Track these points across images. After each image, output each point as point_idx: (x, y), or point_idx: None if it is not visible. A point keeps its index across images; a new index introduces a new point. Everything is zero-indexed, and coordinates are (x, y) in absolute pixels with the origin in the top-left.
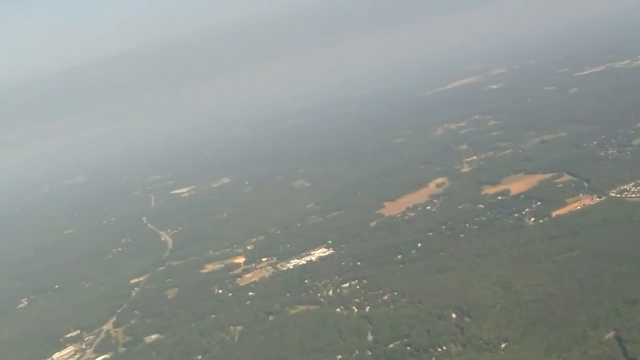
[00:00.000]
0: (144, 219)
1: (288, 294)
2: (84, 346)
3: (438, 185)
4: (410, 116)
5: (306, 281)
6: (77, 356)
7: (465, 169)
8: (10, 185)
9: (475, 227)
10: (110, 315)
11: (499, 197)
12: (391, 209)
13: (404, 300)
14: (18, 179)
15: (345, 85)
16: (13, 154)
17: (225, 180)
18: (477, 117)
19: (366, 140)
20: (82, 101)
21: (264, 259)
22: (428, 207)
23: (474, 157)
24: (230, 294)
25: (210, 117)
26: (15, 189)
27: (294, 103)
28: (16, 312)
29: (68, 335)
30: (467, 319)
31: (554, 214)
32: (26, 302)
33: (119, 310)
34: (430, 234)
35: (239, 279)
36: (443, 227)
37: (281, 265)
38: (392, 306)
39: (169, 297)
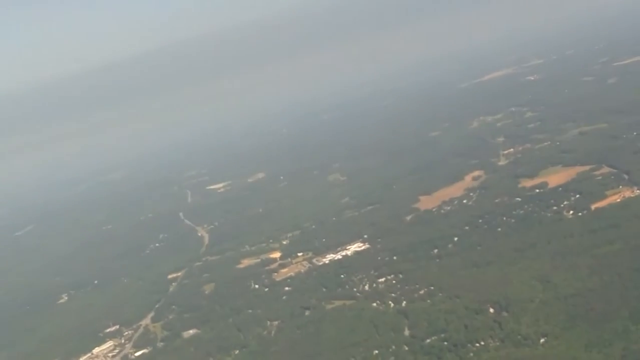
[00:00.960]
0: (181, 214)
1: (324, 289)
2: (123, 341)
3: (474, 179)
4: (446, 109)
5: (342, 276)
6: (117, 351)
7: (502, 161)
8: (49, 181)
9: (513, 220)
10: (148, 311)
11: (537, 190)
12: (427, 202)
13: (440, 295)
14: (57, 176)
15: (380, 79)
16: (52, 151)
17: (260, 175)
18: (513, 109)
19: (401, 134)
20: (118, 99)
21: (299, 254)
22: (464, 201)
23: (511, 150)
24: (266, 289)
25: (244, 113)
26: (54, 186)
27: (328, 98)
28: (56, 308)
29: (107, 330)
30: (505, 313)
31: (593, 206)
32: (66, 298)
33: (157, 306)
34: (467, 227)
35: (275, 273)
36: (480, 220)
37: (317, 260)
38: (428, 301)
39: (206, 292)
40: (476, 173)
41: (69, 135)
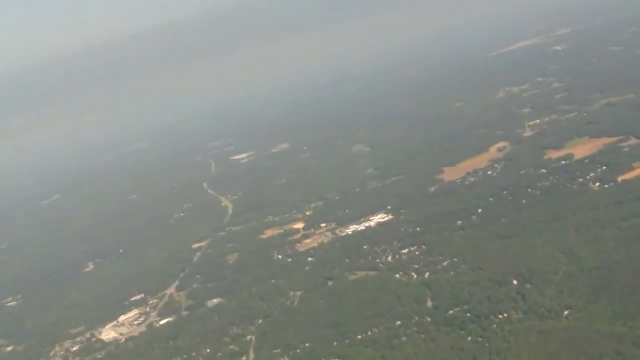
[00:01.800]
0: (205, 184)
1: (347, 260)
2: (148, 309)
3: (499, 150)
4: (471, 79)
5: (365, 247)
6: (142, 319)
7: (528, 132)
8: (74, 152)
9: (538, 192)
10: (173, 280)
11: (563, 162)
12: (451, 174)
13: (464, 266)
14: (82, 146)
15: (405, 48)
16: (79, 121)
17: (284, 145)
18: (540, 79)
19: (426, 104)
20: (142, 69)
21: (322, 225)
22: (489, 172)
23: (537, 121)
24: (289, 259)
25: (268, 83)
26: (79, 156)
27: (352, 67)
28: (83, 276)
29: (133, 299)
30: (528, 285)
31: (619, 178)
32: (92, 266)
33: (181, 275)
34: (491, 199)
35: (298, 244)
36: (504, 192)
37: (340, 231)
38: (452, 272)
39: (230, 262)
40: (501, 144)
41: (93, 106)
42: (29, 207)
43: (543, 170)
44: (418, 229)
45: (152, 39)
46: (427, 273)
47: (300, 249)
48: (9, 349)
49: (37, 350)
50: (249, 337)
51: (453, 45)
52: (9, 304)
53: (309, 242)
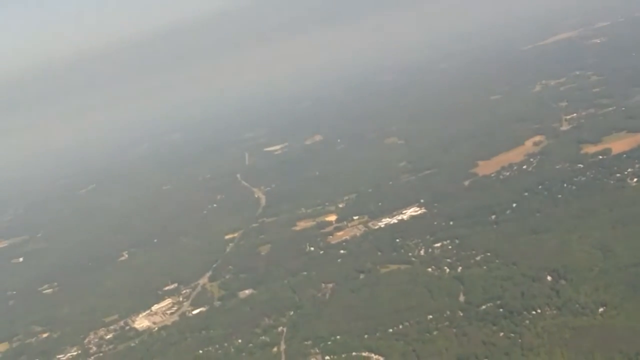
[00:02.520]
0: (238, 175)
1: (379, 253)
2: (181, 299)
3: (535, 144)
4: (507, 72)
5: (397, 240)
6: (175, 309)
7: (565, 127)
8: (110, 142)
9: (574, 187)
10: (206, 270)
11: (600, 157)
12: (485, 167)
13: (497, 261)
14: (118, 137)
15: (440, 41)
16: (113, 113)
17: (317, 137)
18: (577, 72)
19: (461, 97)
20: (176, 62)
21: (355, 217)
22: (524, 167)
23: (574, 115)
24: (321, 252)
25: (298, 76)
26: (115, 146)
27: (385, 61)
28: (117, 265)
29: (166, 288)
30: (563, 282)
31: None
32: (127, 255)
33: (214, 265)
34: (526, 194)
35: (331, 236)
36: (540, 187)
37: (372, 224)
38: (485, 267)
39: (262, 253)
40: (537, 138)
41: (127, 98)
42: (66, 197)
43: (580, 165)
44: (451, 223)
45: (176, 36)
46: (460, 267)
47: (333, 242)
48: (45, 335)
49: (72, 338)
50: (280, 329)
51: (489, 39)
52: (45, 292)
53: (341, 235)
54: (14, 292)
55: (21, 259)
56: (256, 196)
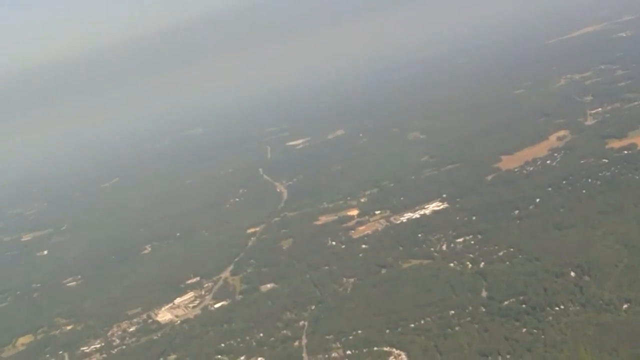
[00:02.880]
0: (260, 170)
1: (401, 248)
2: (203, 292)
3: (559, 139)
4: (531, 66)
5: (419, 235)
6: (197, 302)
7: (589, 121)
8: (133, 137)
9: (599, 182)
10: (228, 264)
11: (625, 152)
12: (509, 162)
13: (520, 257)
14: (140, 132)
15: (464, 35)
16: (135, 107)
17: (340, 132)
18: (603, 66)
19: (484, 92)
20: (194, 57)
21: (377, 212)
22: (548, 161)
23: (599, 109)
24: (343, 246)
25: (322, 69)
26: (137, 141)
27: (405, 55)
28: (141, 258)
29: (188, 282)
30: (586, 278)
31: None
32: (150, 249)
33: (236, 259)
34: (550, 189)
35: (352, 231)
36: (564, 182)
37: (394, 219)
38: (507, 263)
39: (284, 247)
40: (561, 133)
41: (149, 93)
42: (90, 190)
43: (604, 160)
44: (474, 218)
45: (192, 32)
46: (482, 263)
47: (354, 236)
48: (69, 328)
49: (96, 330)
50: (301, 323)
51: (513, 33)
52: (69, 284)
53: (363, 229)
54: (39, 285)
55: (45, 252)
56: (278, 190)
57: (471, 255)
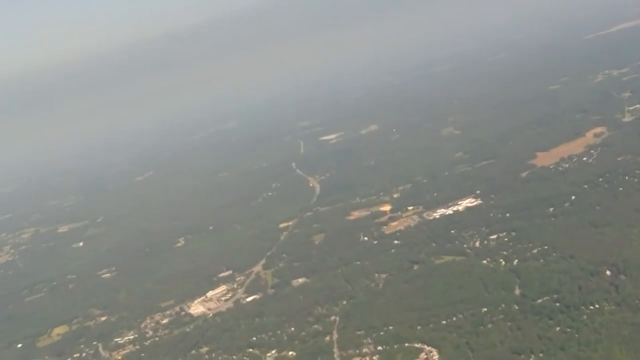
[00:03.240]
0: (293, 164)
1: (433, 244)
2: (235, 286)
3: (596, 135)
4: (568, 62)
5: (452, 231)
6: (229, 295)
7: (627, 118)
8: (167, 131)
9: (636, 180)
10: (260, 258)
11: None
12: (544, 159)
13: (554, 254)
14: (175, 125)
15: (498, 29)
16: (169, 101)
17: (373, 127)
18: None
19: (519, 87)
20: (226, 52)
21: (410, 208)
22: (584, 158)
23: (637, 106)
24: (375, 242)
25: (357, 64)
26: (172, 135)
27: (439, 51)
28: (174, 251)
29: (221, 275)
30: (622, 277)
31: None
32: (183, 242)
33: (268, 253)
34: (586, 186)
35: (385, 226)
36: (600, 179)
37: (427, 215)
38: (541, 260)
39: (316, 242)
40: (598, 129)
41: (182, 87)
42: (124, 183)
43: None
44: (508, 214)
45: (223, 28)
46: (516, 260)
47: (387, 232)
48: (103, 319)
49: (129, 322)
50: (333, 318)
51: (550, 29)
52: (103, 276)
53: (396, 225)
54: (74, 276)
55: (81, 244)
56: (311, 185)
57: (505, 253)
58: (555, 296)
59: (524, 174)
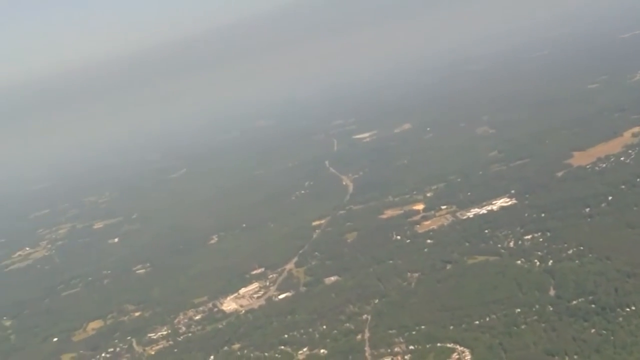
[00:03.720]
0: (327, 162)
1: (467, 244)
2: (267, 283)
3: (634, 135)
4: (606, 60)
5: (486, 231)
6: (261, 292)
7: None
8: (202, 129)
9: None
10: (292, 256)
11: None
12: (581, 159)
13: (590, 255)
14: (209, 123)
15: (536, 27)
16: (204, 100)
17: (406, 125)
18: None
19: (556, 86)
20: (262, 50)
21: (443, 207)
22: (622, 158)
23: None
24: (408, 241)
25: (392, 63)
26: (206, 133)
27: (480, 47)
28: (208, 248)
29: (253, 272)
30: None
31: None
32: (216, 239)
33: (300, 251)
34: (623, 186)
35: (418, 225)
36: (638, 179)
37: (461, 214)
38: (577, 261)
39: (349, 240)
40: (637, 129)
41: (216, 86)
42: (159, 180)
43: None
44: (543, 215)
45: (254, 28)
46: (551, 261)
47: (420, 231)
48: (137, 314)
49: (163, 317)
50: (364, 316)
51: (587, 26)
52: (138, 272)
53: (429, 224)
54: (109, 272)
55: (116, 240)
56: (344, 183)
57: (539, 253)
58: (590, 298)
59: (559, 174)
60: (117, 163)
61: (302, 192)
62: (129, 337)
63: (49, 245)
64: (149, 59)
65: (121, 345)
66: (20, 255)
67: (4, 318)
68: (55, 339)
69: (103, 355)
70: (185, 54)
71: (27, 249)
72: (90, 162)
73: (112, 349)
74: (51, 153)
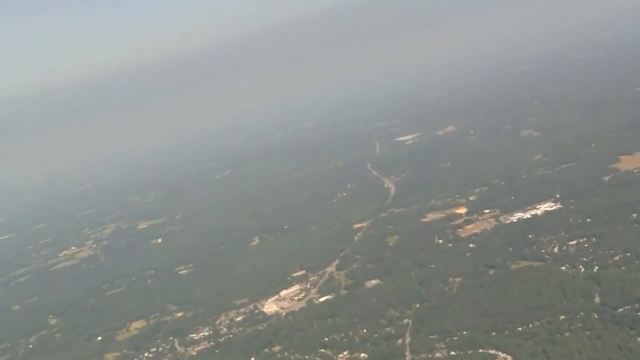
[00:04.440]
0: (369, 165)
1: (510, 248)
2: (308, 286)
3: None
4: None
5: (530, 236)
6: (302, 295)
7: None
8: (246, 130)
9: None
10: (333, 258)
11: None
12: (628, 163)
13: (637, 262)
14: (253, 125)
15: (584, 28)
16: (248, 101)
17: (450, 128)
18: None
19: (603, 88)
20: (306, 53)
21: (486, 211)
22: None
23: None
24: (450, 245)
25: (435, 64)
26: (250, 134)
27: (521, 50)
28: (249, 249)
29: (294, 275)
30: None
31: None
32: (258, 240)
33: (342, 254)
34: None
35: (460, 229)
36: None
37: (504, 218)
38: (623, 268)
39: (390, 243)
40: None
41: (261, 87)
42: (203, 181)
43: None
44: (588, 220)
45: (303, 28)
46: (596, 267)
47: (462, 235)
48: (179, 315)
49: (204, 318)
50: (405, 321)
51: (634, 28)
52: (180, 272)
53: (471, 228)
54: (152, 272)
55: (160, 240)
56: (386, 186)
57: (584, 259)
58: (637, 305)
59: (606, 178)
60: (163, 164)
61: (344, 194)
62: (171, 338)
63: (94, 245)
64: (201, 60)
65: (163, 345)
66: (66, 254)
67: (50, 316)
68: (99, 338)
69: (146, 355)
70: (235, 56)
71: (73, 248)
72: (137, 163)
73: (154, 349)
74: (100, 153)
